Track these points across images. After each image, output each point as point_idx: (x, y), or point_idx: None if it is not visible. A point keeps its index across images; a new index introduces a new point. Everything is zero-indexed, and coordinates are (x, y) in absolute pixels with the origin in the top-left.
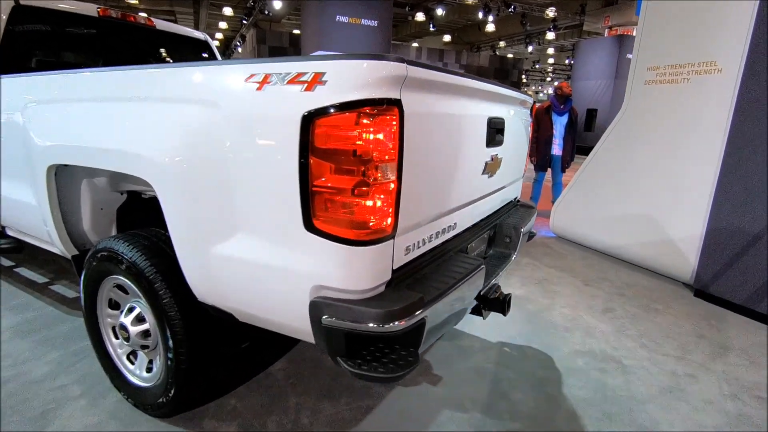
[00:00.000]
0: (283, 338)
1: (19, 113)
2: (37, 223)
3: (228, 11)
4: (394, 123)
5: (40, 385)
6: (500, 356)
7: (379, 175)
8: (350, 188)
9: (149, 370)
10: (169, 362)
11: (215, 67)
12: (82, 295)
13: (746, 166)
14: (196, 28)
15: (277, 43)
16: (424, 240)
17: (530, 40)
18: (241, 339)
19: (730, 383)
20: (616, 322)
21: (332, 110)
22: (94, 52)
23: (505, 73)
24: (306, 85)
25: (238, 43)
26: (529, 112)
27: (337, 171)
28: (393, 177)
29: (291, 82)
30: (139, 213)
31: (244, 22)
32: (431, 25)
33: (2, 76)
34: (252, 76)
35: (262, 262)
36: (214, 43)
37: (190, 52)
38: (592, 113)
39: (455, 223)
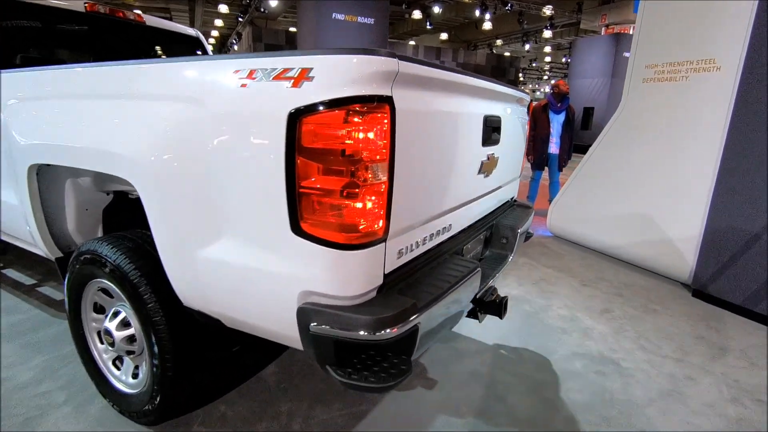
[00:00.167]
0: (274, 342)
1: (0, 111)
2: (20, 224)
3: (224, 9)
4: (385, 121)
5: (24, 392)
6: (496, 359)
7: (370, 175)
8: (339, 189)
9: (135, 376)
10: (154, 369)
11: (198, 63)
12: (66, 298)
13: (745, 164)
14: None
15: (273, 41)
16: (417, 243)
17: (527, 39)
18: (229, 344)
19: (730, 386)
20: (614, 323)
21: (319, 108)
22: (81, 49)
23: (502, 72)
24: (292, 81)
25: (234, 41)
26: (526, 110)
27: (325, 171)
28: (384, 178)
29: (277, 78)
30: (126, 213)
31: (240, 19)
32: (428, 23)
33: None
34: (236, 72)
35: (248, 266)
36: (210, 41)
37: (181, 49)
38: (589, 111)
39: (450, 225)
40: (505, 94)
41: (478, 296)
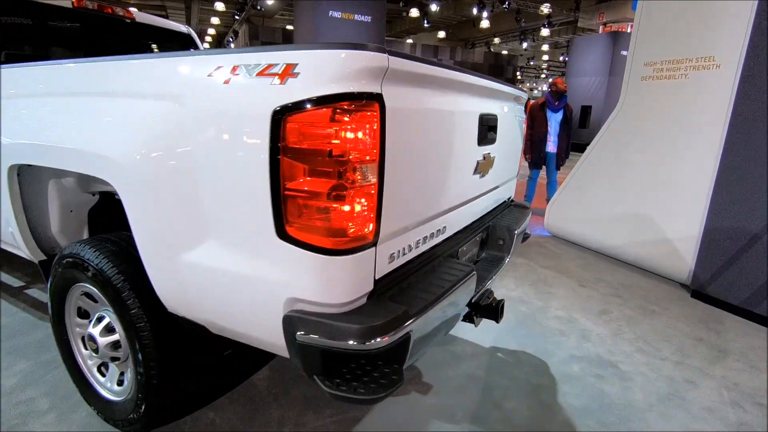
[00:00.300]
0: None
1: None
2: (2, 225)
3: (220, 6)
4: (375, 120)
5: (8, 399)
6: (493, 362)
7: (358, 177)
8: (326, 192)
9: (120, 383)
10: (139, 376)
11: (179, 58)
12: (49, 303)
13: (745, 163)
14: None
15: (269, 39)
16: (410, 246)
17: (525, 37)
18: (217, 350)
19: (730, 389)
20: (612, 324)
21: (305, 105)
22: (69, 47)
23: (499, 70)
24: (276, 77)
25: (231, 39)
26: (523, 108)
27: (311, 173)
28: (374, 179)
29: (260, 74)
30: (113, 215)
31: (237, 17)
32: (425, 21)
33: None
34: (219, 68)
35: (233, 271)
36: (207, 39)
37: (172, 46)
38: (586, 110)
39: (444, 227)
40: (501, 92)
41: (473, 300)
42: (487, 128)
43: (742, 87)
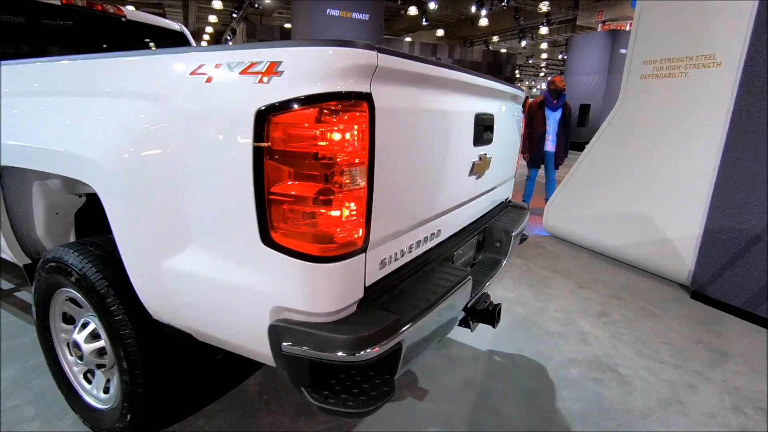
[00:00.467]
0: None
1: None
2: None
3: (218, 4)
4: (363, 120)
5: None
6: (490, 366)
7: (347, 180)
8: (312, 196)
9: (107, 390)
10: (124, 385)
11: (159, 56)
12: (33, 308)
13: (746, 163)
14: (186, 21)
15: (267, 37)
16: (402, 251)
17: (523, 35)
18: (206, 356)
19: (731, 393)
20: (611, 327)
21: (289, 106)
22: (57, 45)
23: (498, 68)
24: (260, 76)
25: (229, 38)
26: (521, 107)
27: (296, 176)
28: (363, 183)
29: (244, 72)
30: (101, 217)
31: (234, 15)
32: (424, 20)
33: None
34: (200, 66)
35: (216, 278)
36: (205, 38)
37: (165, 44)
38: (585, 108)
39: (439, 230)
40: (498, 91)
41: (469, 304)
42: (483, 128)
43: (743, 85)
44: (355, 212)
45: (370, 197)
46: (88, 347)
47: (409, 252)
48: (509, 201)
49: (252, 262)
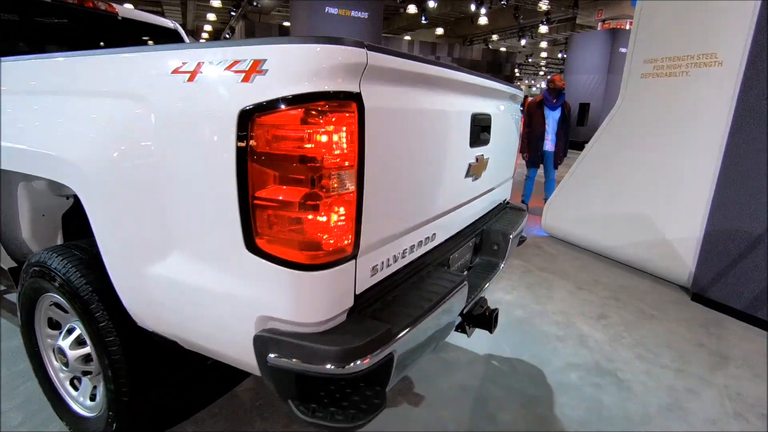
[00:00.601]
0: None
1: None
2: None
3: (216, 2)
4: (352, 121)
5: None
6: (488, 371)
7: (335, 184)
8: (298, 201)
9: (93, 397)
10: (109, 393)
11: (140, 54)
12: (19, 312)
13: (748, 163)
14: (184, 19)
15: (266, 35)
16: (395, 257)
17: (523, 34)
18: (195, 363)
19: (732, 399)
20: (610, 329)
21: (274, 106)
22: (47, 42)
23: (497, 67)
24: (243, 74)
25: (227, 36)
26: (519, 107)
27: (282, 180)
28: (352, 187)
29: (227, 70)
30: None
31: (233, 13)
32: (423, 18)
33: None
34: (183, 64)
35: (201, 286)
36: (204, 36)
37: (158, 42)
38: (584, 107)
39: (434, 234)
40: (495, 90)
41: (466, 309)
42: (480, 129)
43: (745, 85)
44: (343, 218)
45: (360, 202)
46: (73, 354)
47: (403, 257)
48: (507, 202)
49: (236, 270)
